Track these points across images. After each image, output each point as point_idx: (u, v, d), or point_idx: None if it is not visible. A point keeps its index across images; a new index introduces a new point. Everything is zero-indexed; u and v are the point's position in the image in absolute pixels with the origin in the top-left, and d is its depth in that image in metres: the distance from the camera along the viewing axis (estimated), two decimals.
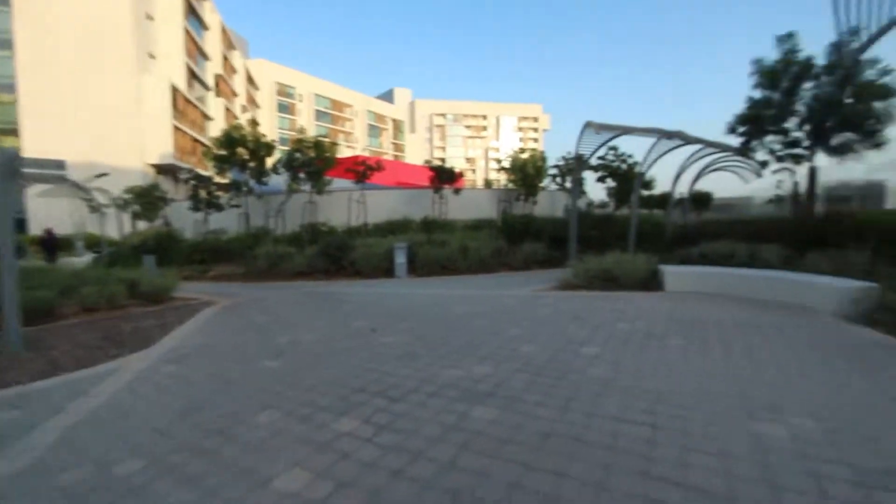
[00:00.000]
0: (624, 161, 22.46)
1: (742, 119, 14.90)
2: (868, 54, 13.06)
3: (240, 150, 19.81)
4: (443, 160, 26.06)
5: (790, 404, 3.27)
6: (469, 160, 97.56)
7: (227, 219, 21.67)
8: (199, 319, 7.00)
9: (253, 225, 20.80)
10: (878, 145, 13.57)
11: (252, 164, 20.18)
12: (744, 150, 15.03)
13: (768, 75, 14.16)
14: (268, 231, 19.52)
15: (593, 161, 21.34)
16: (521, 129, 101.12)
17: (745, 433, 2.85)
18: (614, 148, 22.97)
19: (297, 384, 3.90)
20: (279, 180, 21.38)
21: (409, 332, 5.67)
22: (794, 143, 14.44)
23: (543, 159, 25.72)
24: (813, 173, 14.72)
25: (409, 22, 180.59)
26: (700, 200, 34.38)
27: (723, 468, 2.47)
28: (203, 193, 20.74)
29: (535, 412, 3.19)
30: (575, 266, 9.28)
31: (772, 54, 14.43)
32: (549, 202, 28.75)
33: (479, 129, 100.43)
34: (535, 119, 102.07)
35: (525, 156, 25.24)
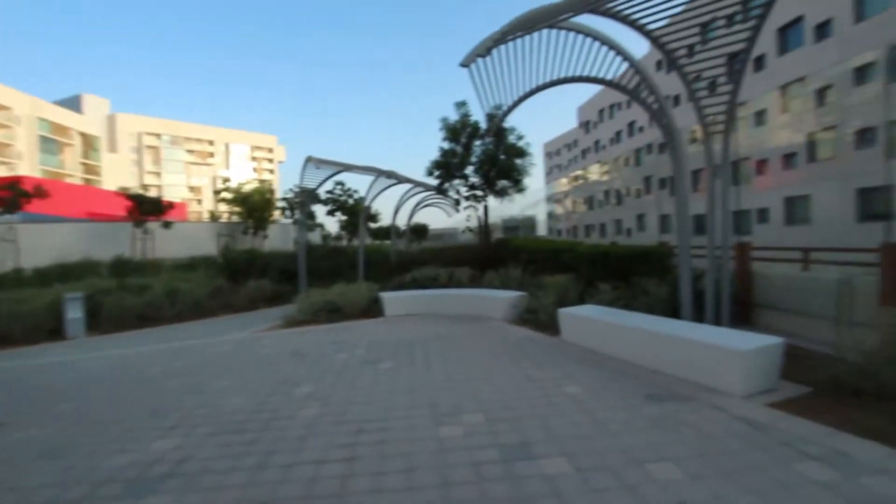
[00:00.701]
0: (350, 196, 23.89)
1: (436, 164, 18.17)
2: (509, 124, 18.03)
3: None
4: (145, 187, 21.70)
5: (468, 404, 3.88)
6: (194, 189, 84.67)
7: None
8: None
9: None
10: (521, 190, 18.95)
11: None
12: (442, 190, 18.26)
13: (451, 132, 17.77)
14: None
15: (323, 195, 21.86)
16: (255, 158, 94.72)
17: (431, 441, 3.19)
18: (341, 183, 24.22)
19: None
20: None
21: (67, 416, 4.23)
22: (473, 187, 18.52)
23: (271, 191, 24.69)
24: (486, 210, 19.18)
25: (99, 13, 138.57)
26: (419, 231, 39.96)
27: (409, 483, 2.65)
28: None
29: (225, 482, 2.76)
30: (300, 300, 9.05)
31: (454, 115, 18.25)
32: (282, 235, 27.71)
33: (205, 155, 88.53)
34: (271, 150, 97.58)
35: (250, 186, 23.66)
